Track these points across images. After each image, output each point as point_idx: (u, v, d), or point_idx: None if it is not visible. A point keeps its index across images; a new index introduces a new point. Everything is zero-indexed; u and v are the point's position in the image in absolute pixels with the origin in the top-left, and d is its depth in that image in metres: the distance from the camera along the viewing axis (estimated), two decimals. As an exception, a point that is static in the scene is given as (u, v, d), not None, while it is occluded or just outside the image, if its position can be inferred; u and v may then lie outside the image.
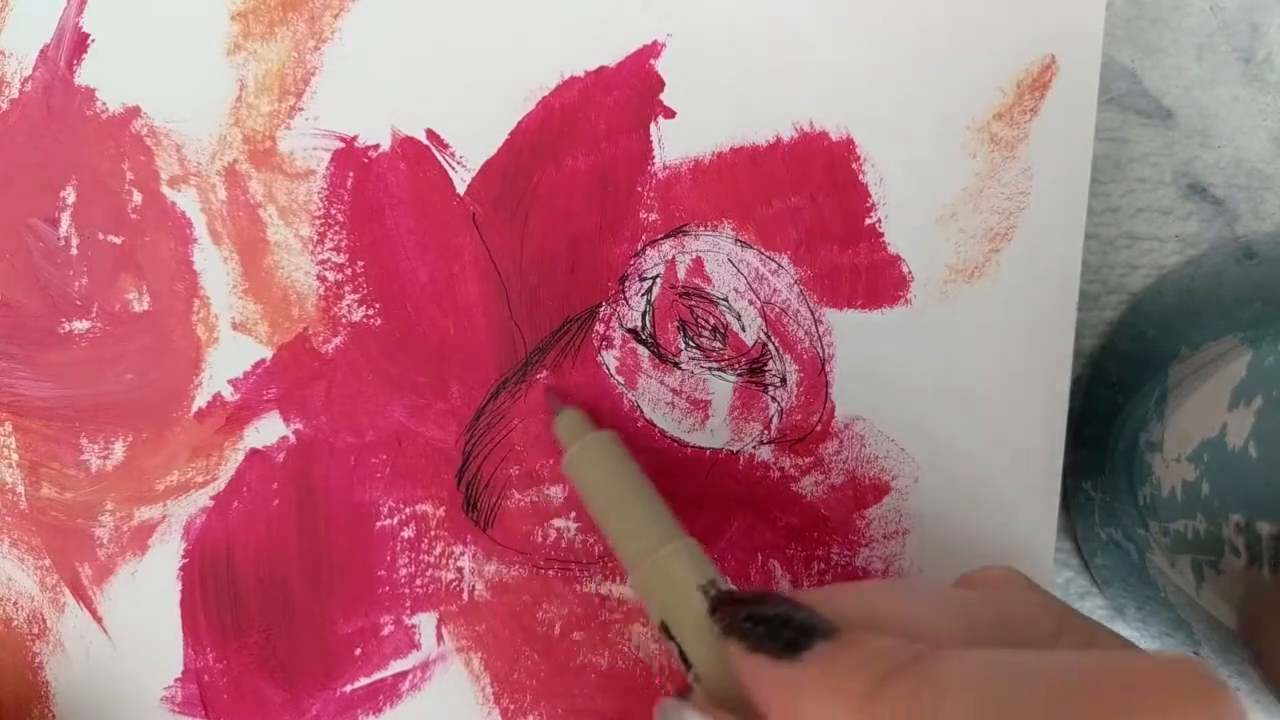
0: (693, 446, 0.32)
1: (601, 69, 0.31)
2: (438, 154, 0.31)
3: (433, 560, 0.31)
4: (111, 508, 0.31)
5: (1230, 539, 0.26)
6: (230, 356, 0.31)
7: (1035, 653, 0.21)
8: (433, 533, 0.31)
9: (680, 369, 0.31)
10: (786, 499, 0.32)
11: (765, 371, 0.31)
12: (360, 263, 0.31)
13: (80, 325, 0.31)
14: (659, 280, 0.31)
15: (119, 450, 0.31)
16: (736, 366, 0.31)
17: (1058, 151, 0.31)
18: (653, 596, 0.25)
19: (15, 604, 0.32)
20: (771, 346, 0.31)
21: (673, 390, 0.31)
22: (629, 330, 0.31)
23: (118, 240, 0.31)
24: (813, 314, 0.31)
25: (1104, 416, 0.31)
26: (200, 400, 0.31)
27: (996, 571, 0.26)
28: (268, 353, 0.31)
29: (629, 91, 0.31)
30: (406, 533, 0.31)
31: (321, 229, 0.31)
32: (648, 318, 0.31)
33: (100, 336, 0.31)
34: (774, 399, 0.31)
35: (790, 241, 0.31)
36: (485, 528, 0.31)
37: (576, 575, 0.32)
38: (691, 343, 0.31)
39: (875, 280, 0.31)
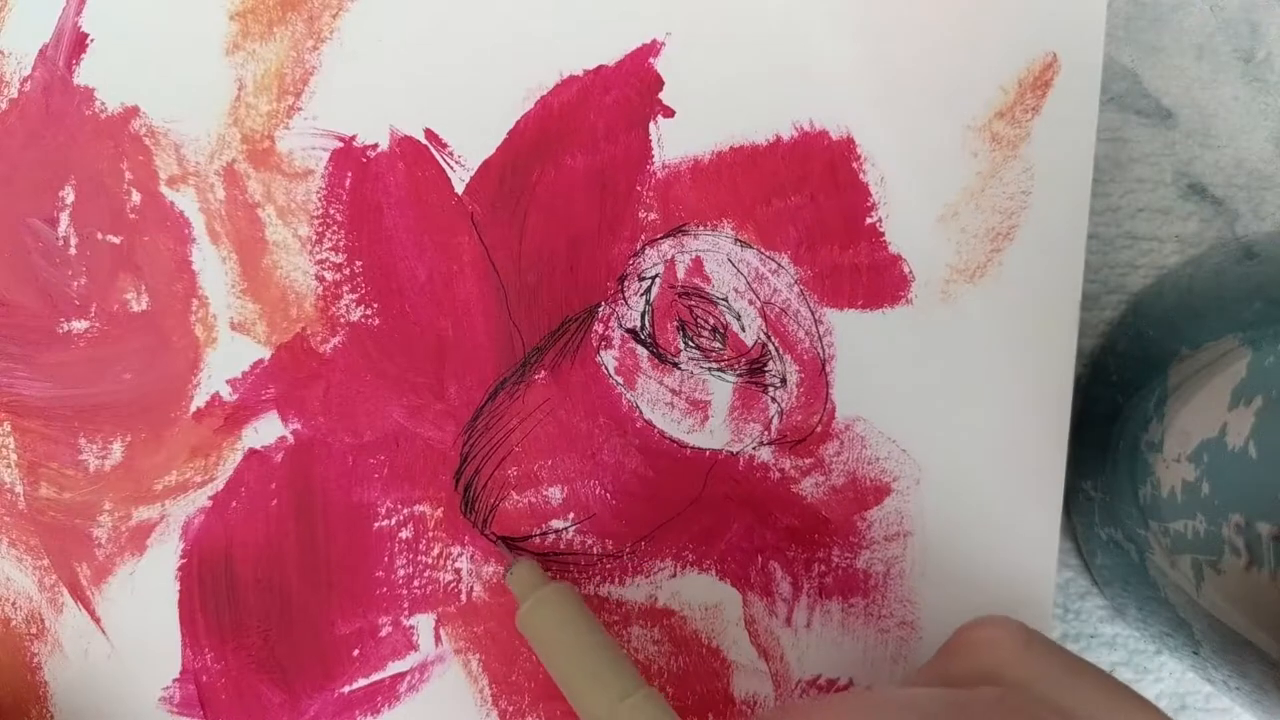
0: (692, 447, 0.31)
1: (600, 68, 0.30)
2: (436, 153, 0.31)
3: (430, 561, 0.31)
4: (110, 508, 0.31)
5: (1230, 539, 0.26)
6: (228, 356, 0.31)
7: None
8: (430, 534, 0.31)
9: (679, 369, 0.31)
10: (787, 500, 0.32)
11: (765, 372, 0.31)
12: (358, 262, 0.31)
13: (79, 325, 0.31)
14: (658, 280, 0.31)
15: (117, 450, 0.31)
16: (736, 367, 0.31)
17: (1060, 150, 0.31)
18: None
19: (13, 604, 0.32)
20: (771, 347, 0.31)
21: (672, 390, 0.31)
22: (628, 330, 0.31)
23: (116, 240, 0.31)
24: (813, 314, 0.31)
25: (1104, 416, 0.31)
26: (198, 400, 0.31)
27: (984, 633, 0.26)
28: (266, 353, 0.31)
29: (628, 90, 0.31)
30: (404, 533, 0.31)
31: (320, 229, 0.31)
32: (647, 318, 0.31)
33: (98, 336, 0.31)
34: (774, 399, 0.31)
35: (790, 241, 0.31)
36: (483, 529, 0.31)
37: (575, 576, 0.32)
38: (691, 343, 0.31)
39: (876, 280, 0.31)
